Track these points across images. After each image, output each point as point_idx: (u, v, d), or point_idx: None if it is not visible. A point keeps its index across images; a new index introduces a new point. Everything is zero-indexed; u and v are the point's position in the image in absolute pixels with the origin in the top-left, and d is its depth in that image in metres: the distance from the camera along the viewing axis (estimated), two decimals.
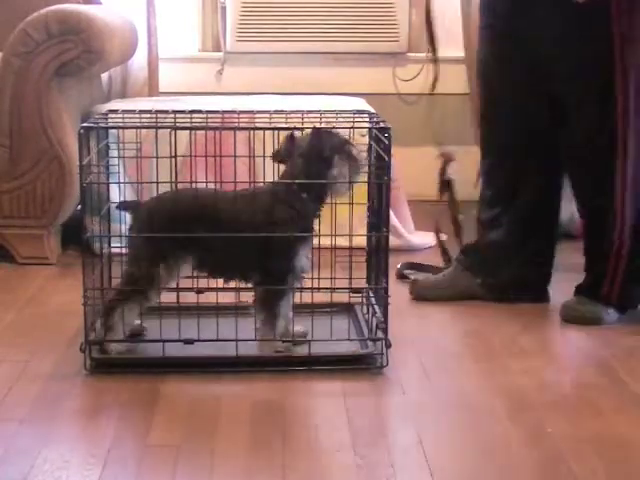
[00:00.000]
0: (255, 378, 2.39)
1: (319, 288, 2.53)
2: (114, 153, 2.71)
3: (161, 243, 2.44)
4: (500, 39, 2.89)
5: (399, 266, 3.23)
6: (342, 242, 2.54)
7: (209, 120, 2.59)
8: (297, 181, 2.46)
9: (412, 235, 3.67)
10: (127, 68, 4.21)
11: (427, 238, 3.68)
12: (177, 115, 2.60)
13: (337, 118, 2.61)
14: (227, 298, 2.59)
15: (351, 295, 2.71)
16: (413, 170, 4.03)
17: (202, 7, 4.47)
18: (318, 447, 2.06)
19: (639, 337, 2.74)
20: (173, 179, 2.47)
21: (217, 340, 2.44)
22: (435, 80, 3.09)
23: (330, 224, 2.46)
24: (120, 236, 2.57)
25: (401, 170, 3.62)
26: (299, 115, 2.62)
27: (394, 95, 4.47)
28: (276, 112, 2.63)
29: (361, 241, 2.66)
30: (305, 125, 2.52)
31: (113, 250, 2.66)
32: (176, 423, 2.16)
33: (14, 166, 3.36)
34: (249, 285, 2.53)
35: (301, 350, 2.49)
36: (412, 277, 3.15)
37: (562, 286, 2.92)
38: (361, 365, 2.46)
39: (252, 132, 2.82)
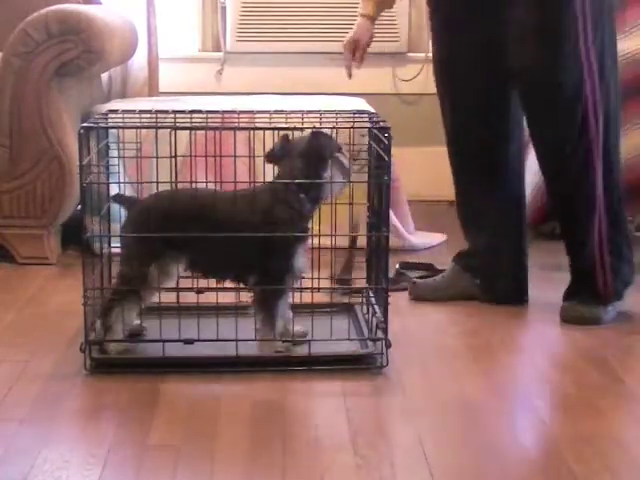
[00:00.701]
0: (255, 378, 2.39)
1: (319, 288, 2.53)
2: (114, 153, 2.71)
3: (153, 242, 2.43)
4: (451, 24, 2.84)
5: (397, 266, 3.23)
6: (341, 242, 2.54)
7: (209, 120, 2.59)
8: (297, 181, 2.46)
9: (412, 235, 3.67)
10: (127, 68, 4.21)
11: (427, 238, 3.68)
12: (177, 115, 2.60)
13: (337, 118, 2.60)
14: (227, 298, 2.59)
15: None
16: (413, 170, 4.03)
17: (202, 7, 4.48)
18: (318, 447, 2.06)
19: (638, 337, 2.74)
20: (173, 179, 2.47)
21: (217, 340, 2.44)
22: None
23: (330, 224, 2.46)
24: (120, 236, 2.57)
25: (401, 170, 3.62)
26: (299, 115, 2.62)
27: (394, 95, 4.49)
28: (276, 112, 2.63)
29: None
30: (305, 125, 2.52)
31: (113, 250, 2.66)
32: (176, 423, 2.16)
33: (14, 166, 3.36)
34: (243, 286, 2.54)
35: (301, 350, 2.48)
36: (409, 281, 3.12)
37: (558, 286, 2.92)
38: (361, 365, 2.46)
39: (252, 132, 2.82)
